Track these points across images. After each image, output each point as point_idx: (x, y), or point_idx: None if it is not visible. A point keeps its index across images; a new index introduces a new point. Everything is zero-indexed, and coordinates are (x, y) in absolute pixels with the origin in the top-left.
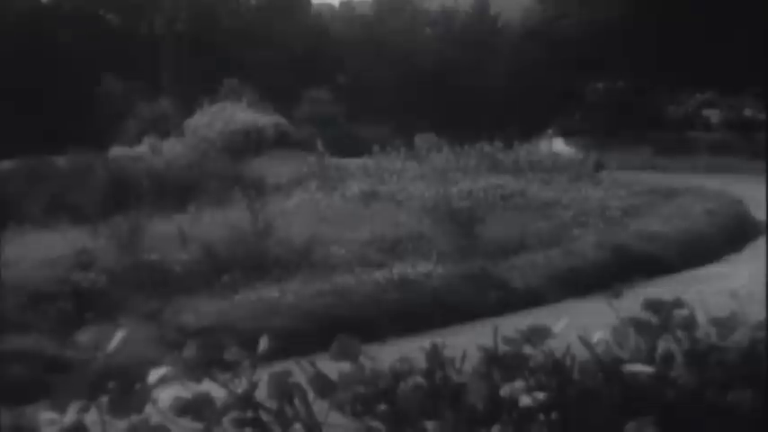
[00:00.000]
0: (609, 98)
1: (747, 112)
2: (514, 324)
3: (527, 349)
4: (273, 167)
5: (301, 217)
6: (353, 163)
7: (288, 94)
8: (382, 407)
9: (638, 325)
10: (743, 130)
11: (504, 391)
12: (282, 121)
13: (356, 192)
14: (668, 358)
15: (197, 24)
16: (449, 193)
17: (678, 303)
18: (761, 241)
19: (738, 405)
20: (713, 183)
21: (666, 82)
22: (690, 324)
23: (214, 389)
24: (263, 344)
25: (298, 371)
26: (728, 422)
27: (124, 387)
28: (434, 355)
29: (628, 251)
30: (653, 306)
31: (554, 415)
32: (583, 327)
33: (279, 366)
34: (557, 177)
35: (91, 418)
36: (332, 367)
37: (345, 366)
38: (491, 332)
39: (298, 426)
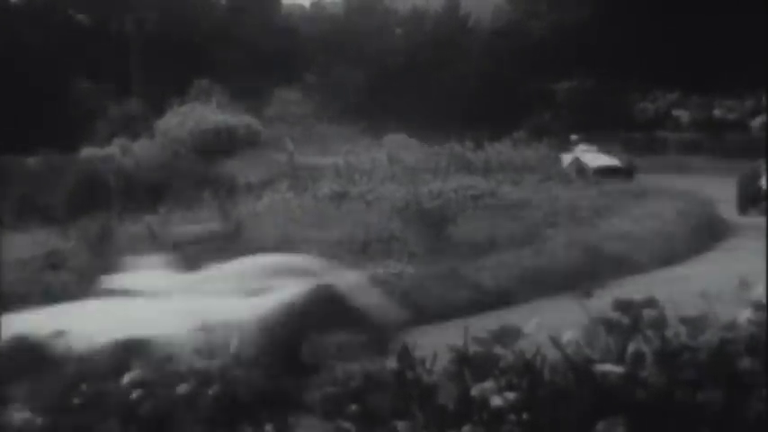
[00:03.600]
0: (579, 98)
1: (717, 113)
2: (485, 324)
3: (498, 349)
4: (244, 168)
5: (272, 217)
6: (324, 163)
7: (258, 94)
8: (353, 407)
9: (609, 325)
10: (712, 130)
11: (475, 391)
12: (253, 121)
13: (327, 192)
14: (639, 358)
15: (167, 24)
16: (419, 193)
17: (649, 303)
18: (731, 241)
19: (708, 404)
20: (683, 183)
21: (636, 82)
22: (660, 324)
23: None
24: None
25: None
26: (698, 421)
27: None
28: (405, 355)
29: (598, 251)
30: (623, 306)
31: (525, 415)
32: (554, 327)
33: None
34: (527, 177)
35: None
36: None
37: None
38: (462, 332)
39: (269, 426)
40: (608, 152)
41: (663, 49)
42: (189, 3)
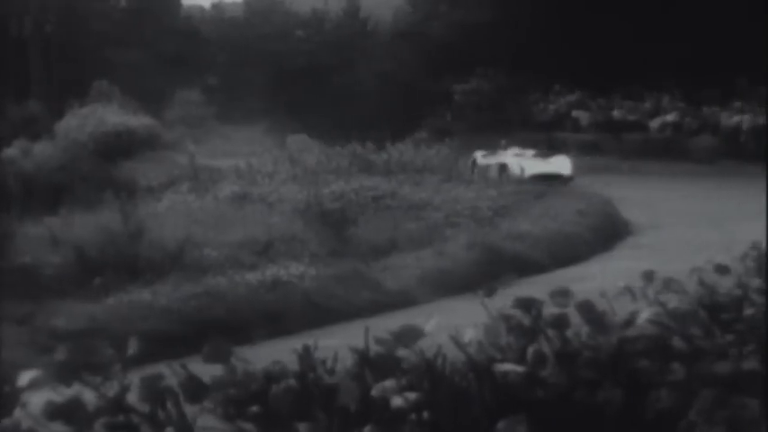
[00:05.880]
0: (478, 99)
1: (616, 114)
2: (387, 325)
3: (399, 350)
4: (145, 169)
5: (173, 219)
6: (225, 164)
7: (159, 96)
8: (254, 409)
9: (510, 324)
10: (612, 130)
11: (376, 391)
12: (154, 122)
13: (228, 194)
14: (540, 358)
15: (66, 26)
16: (320, 194)
17: (557, 295)
18: (630, 241)
19: (608, 404)
20: (583, 183)
21: (537, 83)
22: (561, 323)
23: (86, 392)
24: (132, 346)
25: (170, 374)
26: (598, 421)
27: None
28: (306, 356)
29: (499, 251)
30: (524, 305)
31: (425, 415)
32: (455, 326)
33: (151, 369)
34: (428, 178)
35: None
36: (205, 370)
37: (219, 369)
38: (363, 333)
39: (170, 429)
40: (545, 156)
41: (564, 51)
42: (89, 4)
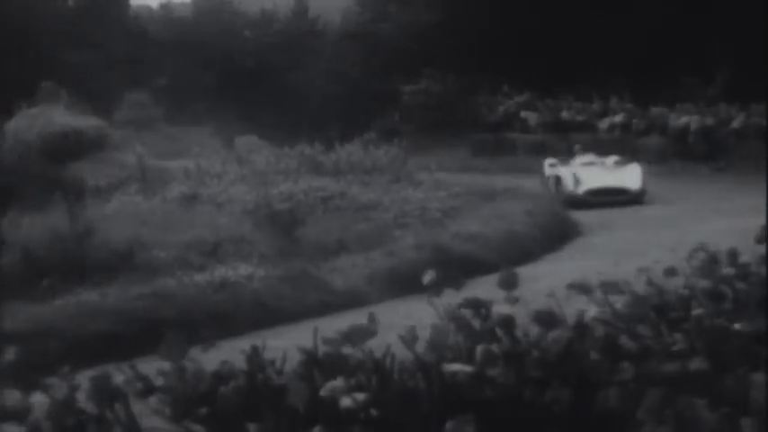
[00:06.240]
0: (427, 99)
1: (565, 114)
2: (336, 325)
3: (348, 350)
4: (93, 170)
5: (122, 220)
6: (174, 165)
7: (107, 97)
8: (203, 410)
9: (458, 324)
10: (560, 131)
11: (324, 391)
12: (102, 123)
13: (177, 195)
14: (489, 357)
15: (12, 25)
16: (269, 195)
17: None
18: (580, 241)
19: (556, 403)
20: (531, 183)
21: (485, 84)
22: (509, 323)
23: (36, 393)
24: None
25: (119, 375)
26: (546, 420)
27: None
28: (255, 357)
29: (448, 252)
30: (472, 305)
31: (374, 415)
32: (404, 326)
33: (100, 371)
34: (377, 179)
35: None
36: (154, 370)
37: (168, 371)
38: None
39: (118, 429)
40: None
41: (513, 52)
42: (37, 3)
